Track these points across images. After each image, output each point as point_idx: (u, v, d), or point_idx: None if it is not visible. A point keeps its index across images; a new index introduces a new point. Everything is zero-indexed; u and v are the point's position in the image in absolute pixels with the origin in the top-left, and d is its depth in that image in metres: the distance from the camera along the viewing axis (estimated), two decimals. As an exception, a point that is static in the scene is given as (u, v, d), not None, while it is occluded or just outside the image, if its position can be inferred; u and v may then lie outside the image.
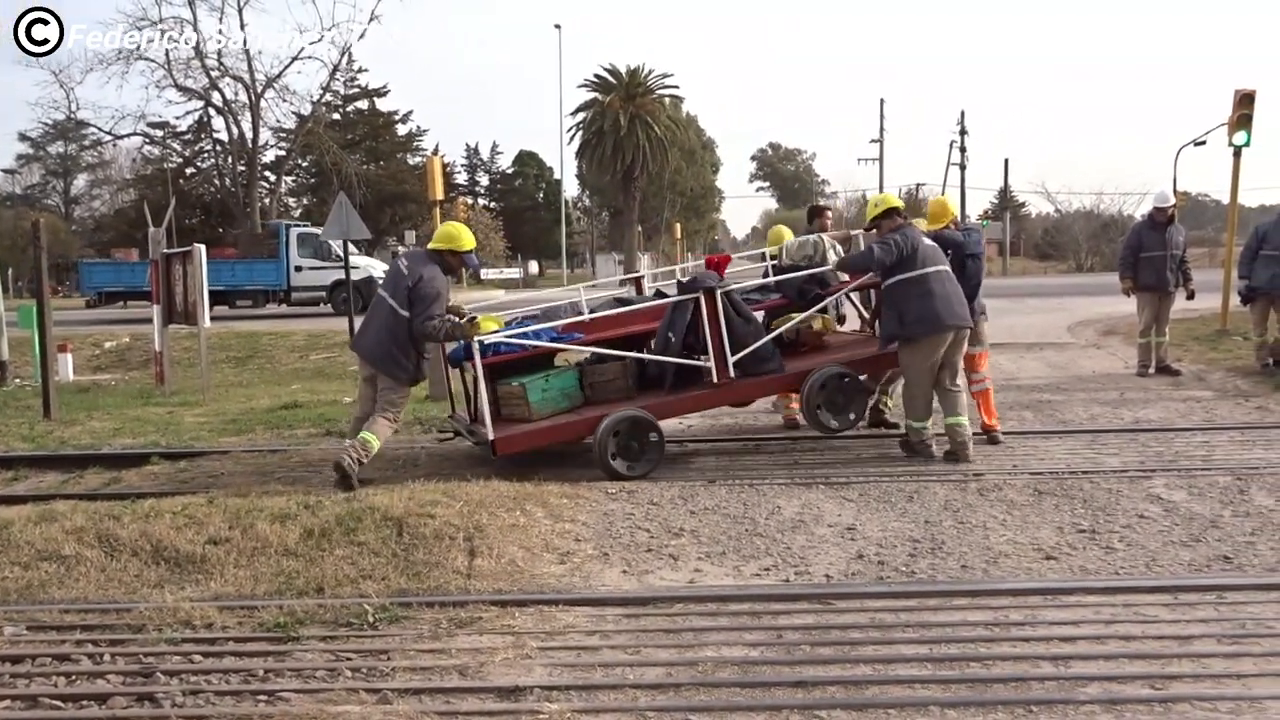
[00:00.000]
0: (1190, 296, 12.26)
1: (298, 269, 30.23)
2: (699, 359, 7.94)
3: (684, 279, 8.38)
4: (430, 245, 7.81)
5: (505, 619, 4.79)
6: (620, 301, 9.04)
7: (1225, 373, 11.86)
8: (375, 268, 31.74)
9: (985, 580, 5.20)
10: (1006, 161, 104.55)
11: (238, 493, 6.91)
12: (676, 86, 63.75)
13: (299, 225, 32.86)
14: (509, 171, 78.15)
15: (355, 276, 28.50)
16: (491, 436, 7.44)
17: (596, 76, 58.60)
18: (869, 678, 4.09)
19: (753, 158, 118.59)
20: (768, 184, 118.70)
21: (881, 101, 63.85)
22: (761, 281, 9.32)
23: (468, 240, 7.82)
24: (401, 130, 64.01)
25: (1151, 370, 11.96)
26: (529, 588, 5.22)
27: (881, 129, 62.63)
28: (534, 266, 67.81)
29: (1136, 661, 4.17)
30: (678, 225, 63.77)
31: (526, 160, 77.23)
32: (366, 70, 65.06)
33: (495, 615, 4.84)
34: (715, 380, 7.81)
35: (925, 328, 7.62)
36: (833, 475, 7.39)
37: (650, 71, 58.69)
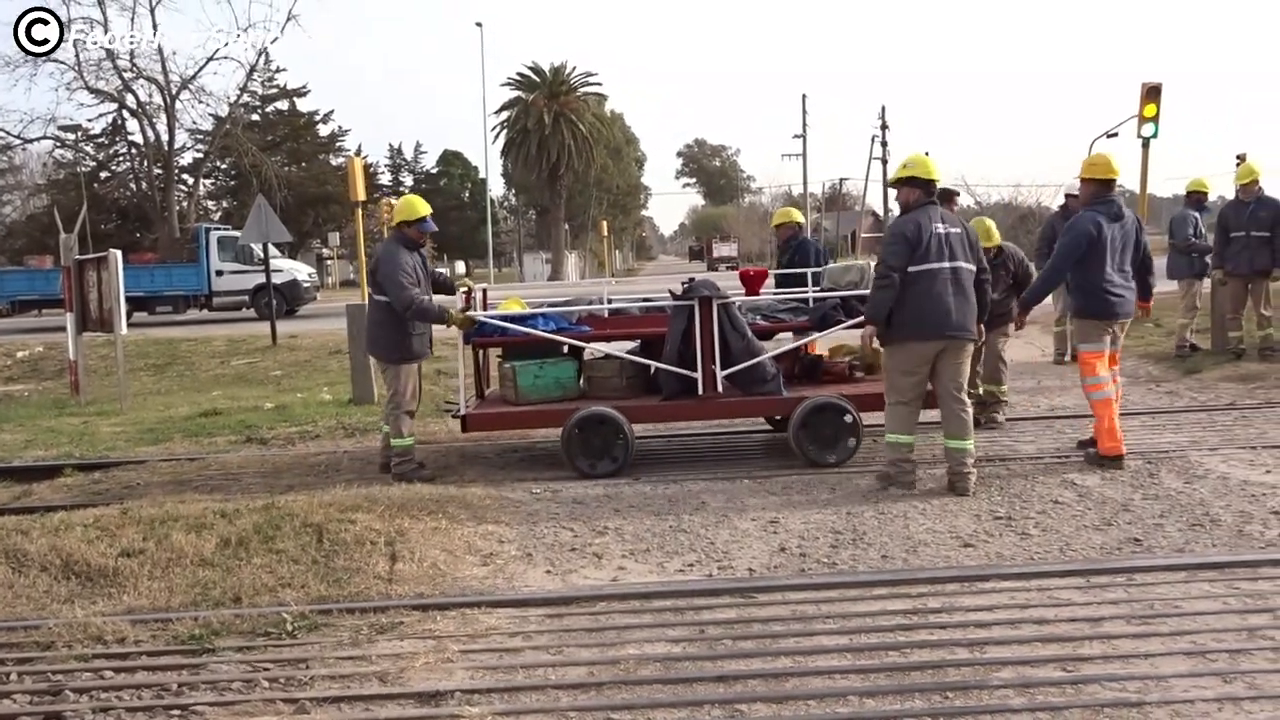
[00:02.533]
0: None
1: (219, 273, 29.68)
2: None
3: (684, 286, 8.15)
4: (393, 223, 7.92)
5: (427, 623, 4.75)
6: (648, 301, 8.93)
7: (1138, 359, 12.16)
8: (299, 270, 31.34)
9: (905, 569, 5.27)
10: (926, 154, 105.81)
11: (153, 503, 6.76)
12: (600, 84, 63.97)
13: (219, 229, 32.26)
14: (433, 171, 77.41)
15: (278, 280, 28.12)
16: (463, 411, 7.74)
17: (520, 75, 58.45)
18: (790, 670, 4.12)
19: (679, 154, 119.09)
20: (694, 180, 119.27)
21: (804, 97, 64.41)
22: (794, 299, 8.63)
23: (420, 207, 7.88)
24: (323, 131, 63.06)
25: (1067, 358, 12.21)
26: (451, 591, 5.18)
27: (805, 125, 63.20)
28: (460, 266, 67.29)
29: (1049, 644, 4.25)
30: (604, 223, 63.81)
31: (451, 160, 76.61)
32: (285, 70, 64.22)
33: (416, 620, 4.79)
34: (701, 393, 7.65)
35: (909, 331, 6.67)
36: (756, 470, 7.44)
37: (573, 70, 58.71)
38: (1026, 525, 5.95)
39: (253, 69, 42.77)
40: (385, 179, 75.39)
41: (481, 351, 8.61)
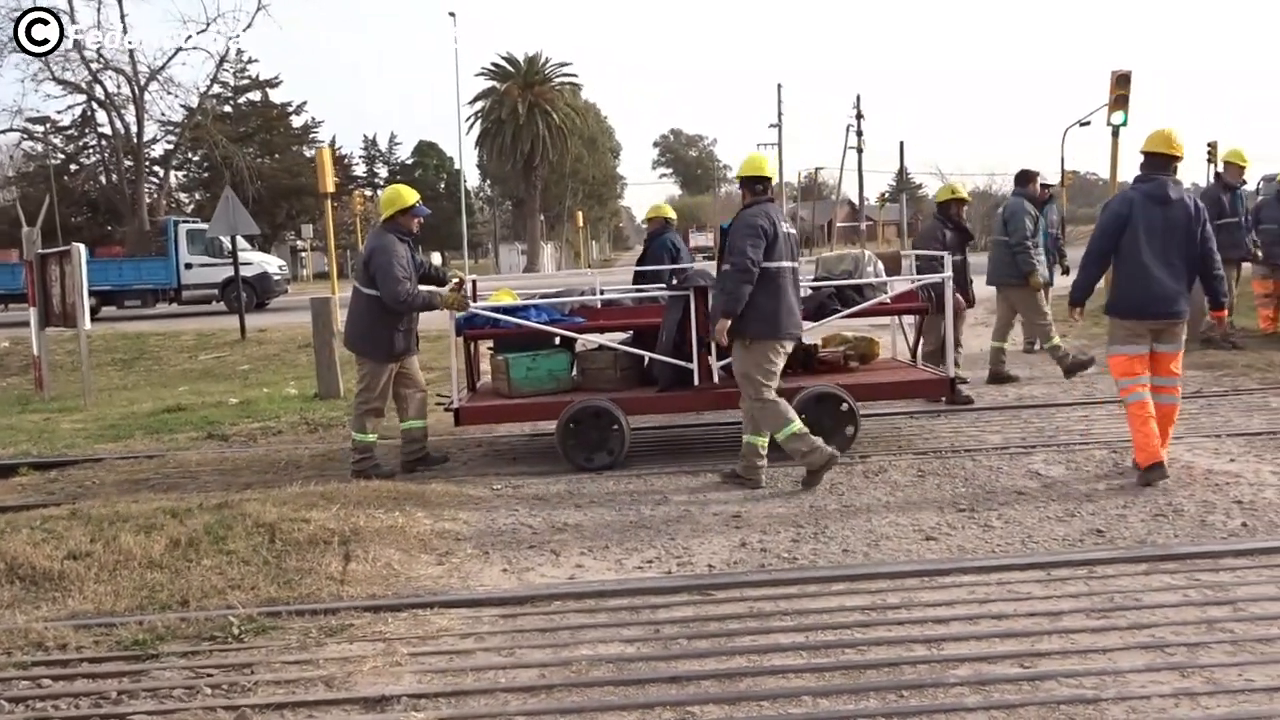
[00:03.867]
0: (1065, 272, 12.48)
1: (188, 266, 29.35)
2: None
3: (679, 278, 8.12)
4: (383, 217, 7.72)
5: (377, 625, 4.65)
6: (642, 291, 8.88)
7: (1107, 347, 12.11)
8: (269, 263, 31.05)
9: (865, 564, 5.21)
10: (902, 144, 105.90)
11: (105, 503, 6.63)
12: (575, 75, 63.43)
13: (189, 221, 31.92)
14: (408, 162, 76.89)
15: (249, 273, 27.90)
16: (456, 404, 7.65)
17: (494, 65, 58.17)
18: (744, 669, 4.04)
19: (655, 144, 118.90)
20: (670, 170, 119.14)
21: (779, 87, 64.58)
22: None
23: (408, 195, 7.74)
24: (296, 122, 62.61)
25: (1037, 348, 12.14)
26: (404, 591, 5.08)
27: (780, 114, 63.09)
28: (436, 258, 66.95)
29: (1008, 640, 4.19)
30: (580, 214, 63.59)
31: (426, 151, 76.14)
32: (257, 61, 63.58)
33: (367, 622, 4.69)
34: (697, 383, 7.56)
35: (768, 329, 6.60)
36: (720, 463, 7.36)
37: (548, 60, 58.44)
38: (989, 517, 5.89)
39: (222, 60, 42.28)
40: (360, 170, 75.01)
41: (472, 344, 8.50)
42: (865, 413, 7.79)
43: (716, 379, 7.55)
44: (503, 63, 58.39)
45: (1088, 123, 41.07)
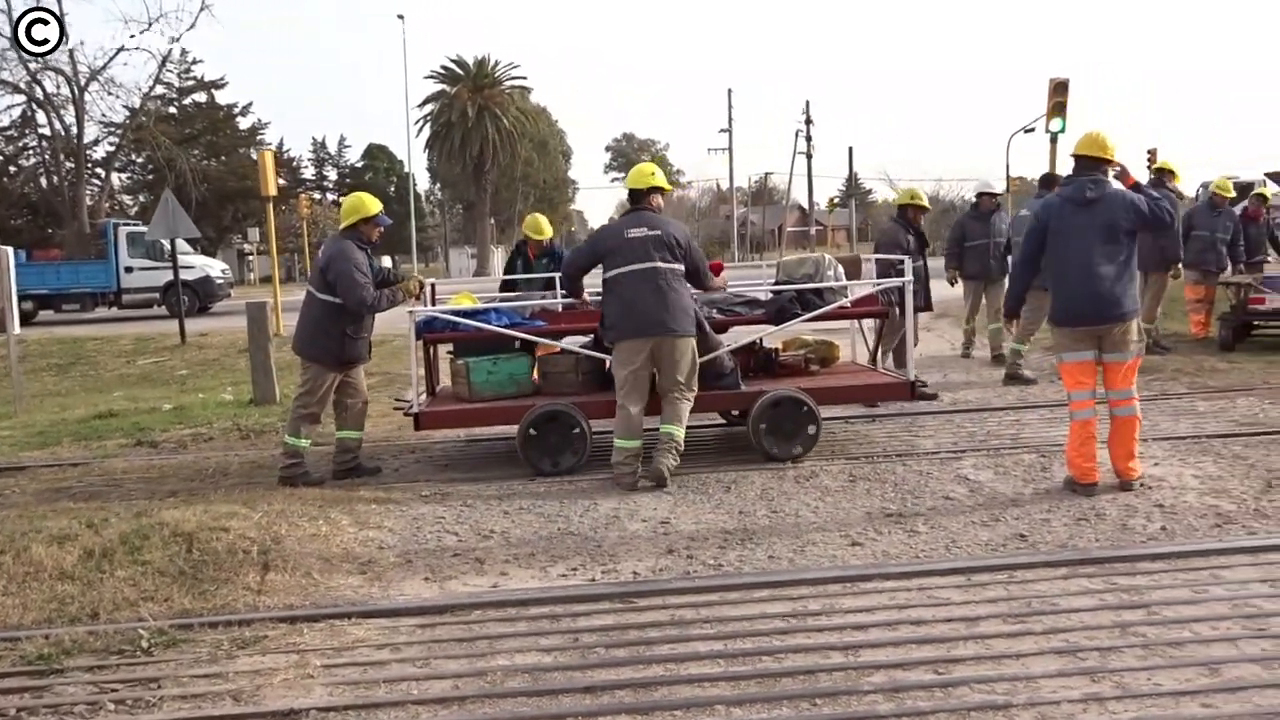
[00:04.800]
0: None
1: (128, 270, 28.89)
2: None
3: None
4: (341, 226, 7.62)
5: (292, 636, 4.56)
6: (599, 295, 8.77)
7: (1043, 352, 12.25)
8: (212, 267, 30.64)
9: (789, 571, 5.20)
10: (851, 150, 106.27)
11: (21, 513, 6.48)
12: (525, 78, 63.47)
13: (129, 224, 31.43)
14: (358, 165, 76.21)
15: (191, 276, 27.57)
16: (416, 409, 7.56)
17: (443, 68, 57.89)
18: (660, 678, 4.01)
19: (607, 148, 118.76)
20: (623, 174, 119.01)
21: (729, 92, 64.86)
22: (751, 292, 8.52)
23: (371, 204, 7.62)
24: (244, 124, 61.82)
25: (973, 354, 12.20)
26: (322, 602, 5.00)
27: (730, 119, 63.38)
28: (386, 261, 66.39)
29: (924, 646, 4.19)
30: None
31: (376, 154, 75.51)
32: (202, 62, 62.78)
33: (282, 633, 4.60)
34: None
35: (617, 333, 7.00)
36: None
37: (497, 63, 58.23)
38: (916, 523, 5.91)
39: (165, 60, 41.70)
40: (309, 173, 74.27)
41: (431, 348, 8.41)
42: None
43: None
44: (452, 65, 58.15)
45: (1032, 129, 41.44)
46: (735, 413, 8.45)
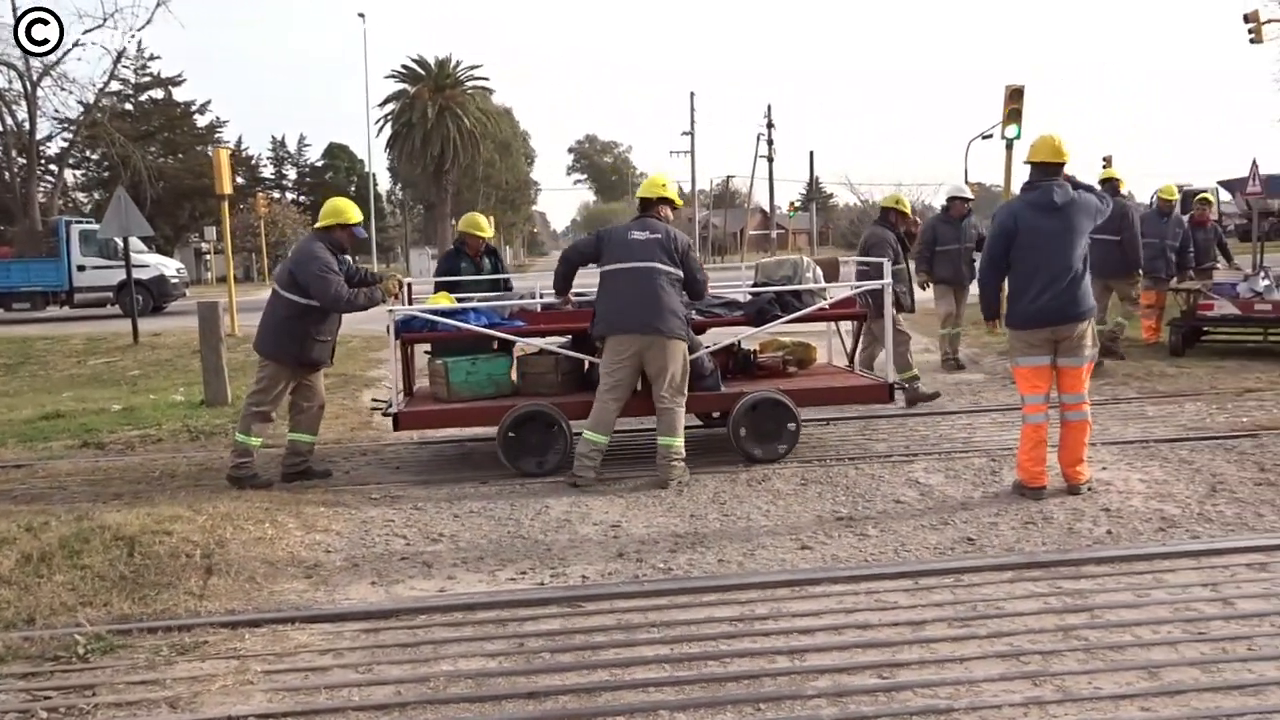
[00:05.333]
0: None
1: (81, 268, 28.42)
2: None
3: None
4: (317, 225, 7.52)
5: (233, 642, 4.50)
6: (580, 296, 8.61)
7: (997, 356, 12.36)
8: (167, 266, 30.23)
9: (737, 575, 5.19)
10: (812, 154, 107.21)
11: (-41, 516, 6.34)
12: (486, 79, 63.31)
13: (81, 222, 30.91)
14: (319, 164, 75.69)
15: (144, 275, 27.19)
16: (395, 409, 7.50)
17: (404, 67, 57.60)
18: (604, 684, 3.99)
19: (570, 150, 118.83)
20: (585, 176, 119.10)
21: (692, 95, 64.66)
22: (730, 294, 8.54)
23: (352, 213, 7.57)
24: (201, 121, 61.23)
25: (951, 360, 12.17)
26: (265, 606, 4.93)
27: (693, 122, 63.43)
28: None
29: (869, 650, 4.20)
30: (493, 218, 63.15)
31: (337, 153, 74.98)
32: (159, 59, 62.02)
33: (223, 638, 4.53)
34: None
35: (606, 326, 7.06)
36: (606, 471, 7.29)
37: (459, 63, 57.99)
38: (866, 526, 5.93)
39: (120, 56, 41.15)
40: (268, 172, 73.61)
41: (409, 348, 8.33)
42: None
43: None
44: (413, 65, 57.86)
45: (990, 135, 41.88)
46: (715, 415, 8.45)
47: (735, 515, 6.25)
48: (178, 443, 9.26)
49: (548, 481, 7.14)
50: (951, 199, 12.15)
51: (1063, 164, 6.43)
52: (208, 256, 58.63)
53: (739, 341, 8.33)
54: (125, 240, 20.27)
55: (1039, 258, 6.26)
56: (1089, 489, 6.39)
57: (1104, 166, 35.91)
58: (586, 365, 7.89)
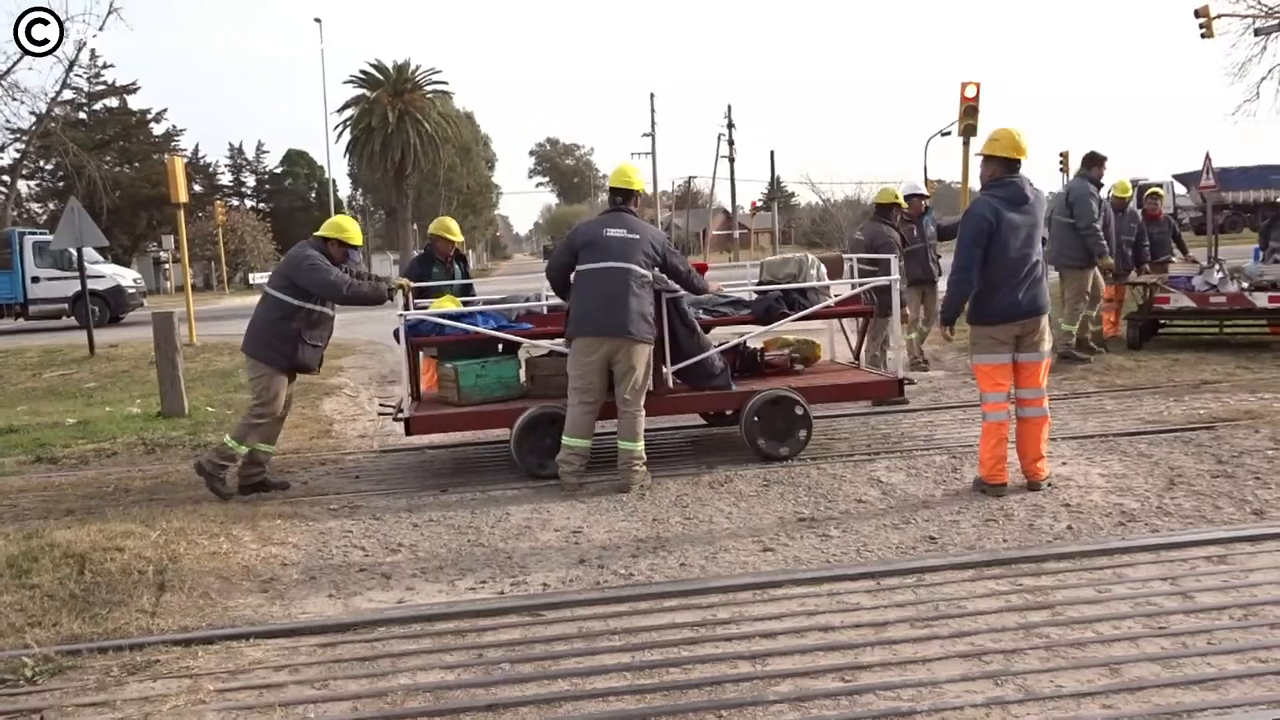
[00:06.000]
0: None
1: (35, 280, 27.99)
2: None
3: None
4: (318, 233, 7.44)
5: (186, 660, 4.40)
6: None
7: (958, 353, 12.38)
8: (124, 276, 29.83)
9: (699, 579, 5.15)
10: (773, 154, 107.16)
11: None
12: (446, 83, 63.06)
13: (34, 233, 30.45)
14: (277, 171, 75.18)
15: (101, 286, 26.82)
16: (407, 414, 7.42)
17: (363, 72, 57.10)
18: (565, 694, 3.94)
19: (531, 153, 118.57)
20: (547, 179, 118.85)
21: (652, 96, 64.72)
22: (735, 293, 8.45)
23: (356, 236, 7.55)
24: (157, 130, 60.65)
25: (921, 362, 12.15)
26: (219, 622, 4.83)
27: (653, 123, 63.47)
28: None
29: (831, 654, 4.17)
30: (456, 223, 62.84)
31: (296, 159, 74.47)
32: (113, 66, 61.27)
33: (175, 657, 4.43)
34: (652, 388, 7.31)
35: (576, 328, 6.93)
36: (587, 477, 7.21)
37: (418, 67, 57.65)
38: (828, 527, 5.91)
39: (73, 64, 40.54)
40: (226, 179, 72.97)
41: (416, 352, 8.24)
42: (719, 426, 7.84)
43: (670, 385, 7.55)
44: (372, 70, 57.39)
45: (948, 132, 42.30)
46: (727, 413, 8.44)
47: (697, 518, 6.22)
48: (133, 456, 9.11)
49: (508, 488, 7.08)
50: (908, 197, 12.13)
51: (1021, 160, 6.42)
52: (166, 266, 57.99)
53: (744, 340, 8.31)
54: (79, 251, 19.97)
55: (1013, 254, 6.23)
56: (1049, 485, 6.40)
57: (1060, 164, 36.32)
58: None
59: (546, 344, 7.97)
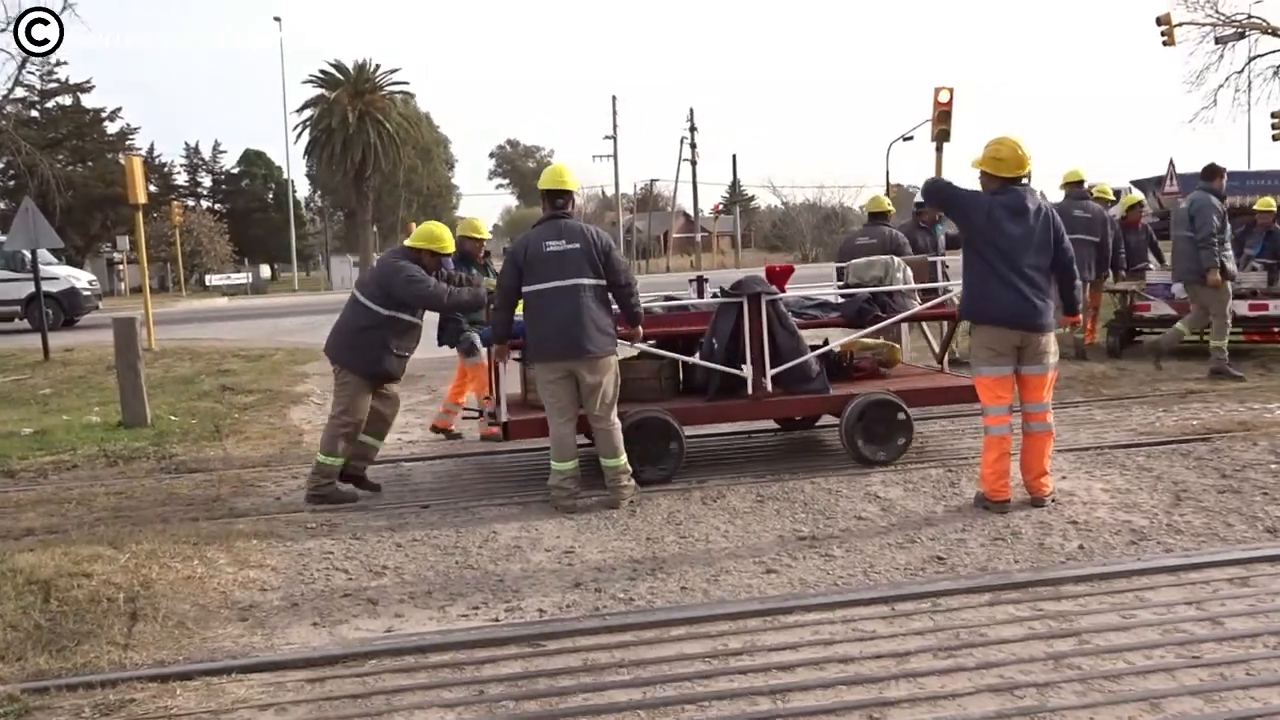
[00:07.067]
0: None
1: (-14, 281, 27.27)
2: (740, 369, 7.42)
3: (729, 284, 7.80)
4: (408, 243, 7.30)
5: (163, 698, 4.10)
6: (671, 299, 8.47)
7: (971, 369, 12.24)
8: (79, 278, 29.11)
9: (704, 604, 4.92)
10: (735, 157, 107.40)
11: None
12: (406, 83, 62.47)
13: (-16, 234, 29.70)
14: (234, 171, 73.99)
15: (55, 288, 26.14)
16: (504, 419, 7.39)
17: (322, 72, 56.52)
18: (576, 735, 3.69)
19: (491, 155, 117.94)
20: (507, 181, 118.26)
21: (614, 99, 64.42)
22: (823, 297, 8.45)
23: (449, 243, 7.38)
24: (112, 129, 59.43)
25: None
26: (198, 655, 4.53)
27: (615, 126, 63.24)
28: (265, 270, 64.61)
29: (855, 688, 3.95)
30: (414, 225, 62.27)
31: (254, 159, 73.36)
32: (66, 64, 60.07)
33: (151, 695, 4.13)
34: (751, 392, 7.33)
35: (534, 354, 6.78)
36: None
37: (378, 67, 57.13)
38: (830, 545, 5.70)
39: (25, 61, 39.67)
40: (182, 179, 71.76)
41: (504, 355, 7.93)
42: (693, 435, 7.66)
43: (769, 389, 7.41)
44: (331, 70, 56.79)
45: (911, 137, 42.56)
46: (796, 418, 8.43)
47: (693, 537, 5.99)
48: (94, 469, 8.73)
49: (493, 505, 6.81)
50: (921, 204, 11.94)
51: (1020, 176, 6.19)
52: (121, 267, 56.95)
53: (838, 344, 8.21)
54: (34, 252, 19.43)
55: (1011, 262, 6.03)
56: (1053, 501, 6.24)
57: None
58: (683, 369, 7.82)
59: (640, 345, 7.62)
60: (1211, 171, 10.84)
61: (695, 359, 7.63)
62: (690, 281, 8.53)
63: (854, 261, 8.83)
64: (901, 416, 7.34)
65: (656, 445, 7.11)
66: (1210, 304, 10.48)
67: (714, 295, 7.91)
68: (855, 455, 7.34)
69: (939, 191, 6.60)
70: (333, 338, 7.21)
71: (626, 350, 7.64)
